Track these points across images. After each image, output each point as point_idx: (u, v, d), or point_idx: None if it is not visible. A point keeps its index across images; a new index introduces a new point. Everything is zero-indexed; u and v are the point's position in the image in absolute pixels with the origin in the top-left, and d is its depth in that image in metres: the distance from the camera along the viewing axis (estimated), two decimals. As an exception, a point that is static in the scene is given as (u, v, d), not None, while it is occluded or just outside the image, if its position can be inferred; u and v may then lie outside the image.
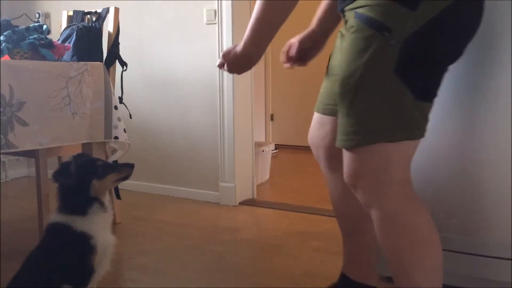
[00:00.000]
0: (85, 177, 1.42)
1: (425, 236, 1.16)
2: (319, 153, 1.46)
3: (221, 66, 1.35)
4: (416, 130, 1.11)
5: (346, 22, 1.17)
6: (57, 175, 1.42)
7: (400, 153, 1.12)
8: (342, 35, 1.27)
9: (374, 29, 1.04)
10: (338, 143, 1.15)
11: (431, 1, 1.02)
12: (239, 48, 1.26)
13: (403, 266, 1.17)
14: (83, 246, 1.37)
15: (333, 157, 1.39)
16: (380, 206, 1.15)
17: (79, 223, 1.38)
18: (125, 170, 1.49)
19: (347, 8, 1.13)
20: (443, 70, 1.12)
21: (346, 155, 1.15)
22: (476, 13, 1.11)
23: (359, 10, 1.07)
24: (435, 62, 1.09)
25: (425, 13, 1.02)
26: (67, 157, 1.50)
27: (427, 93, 1.09)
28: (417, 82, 1.06)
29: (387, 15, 1.03)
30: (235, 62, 1.29)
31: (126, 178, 1.49)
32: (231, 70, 1.34)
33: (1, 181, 3.58)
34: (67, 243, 1.37)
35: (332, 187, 1.48)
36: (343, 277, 1.55)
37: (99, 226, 1.41)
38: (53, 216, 1.42)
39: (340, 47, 1.29)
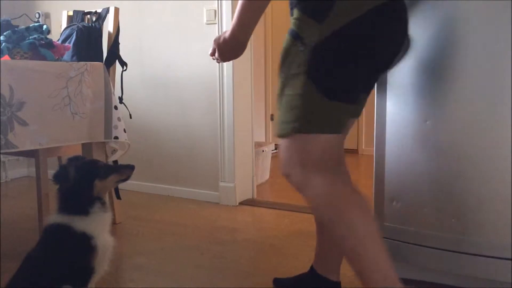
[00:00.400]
0: (88, 177, 1.43)
1: (341, 206, 1.28)
2: None
3: (213, 53, 1.46)
4: (326, 125, 1.26)
5: None
6: (58, 176, 1.42)
7: (318, 145, 1.27)
8: None
9: (293, 38, 1.25)
10: (276, 131, 1.34)
11: (336, 16, 1.19)
12: (228, 33, 1.38)
13: (335, 237, 1.34)
14: (84, 246, 1.37)
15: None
16: (305, 191, 1.30)
17: (80, 224, 1.38)
18: (125, 171, 1.51)
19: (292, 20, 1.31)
20: (358, 74, 1.27)
21: (281, 143, 1.33)
22: (389, 26, 1.26)
23: (292, 22, 1.28)
24: (342, 67, 1.23)
25: (329, 26, 1.20)
26: (66, 158, 1.50)
27: (336, 94, 1.24)
28: (325, 84, 1.23)
29: (300, 27, 1.24)
30: (225, 47, 1.40)
31: (126, 179, 1.50)
32: (221, 55, 1.44)
33: (1, 181, 3.58)
34: (68, 244, 1.37)
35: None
36: (311, 269, 1.69)
37: (99, 227, 1.42)
38: (53, 217, 1.42)
39: None
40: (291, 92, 1.26)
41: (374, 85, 1.43)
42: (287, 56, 1.27)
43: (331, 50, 1.22)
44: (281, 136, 1.30)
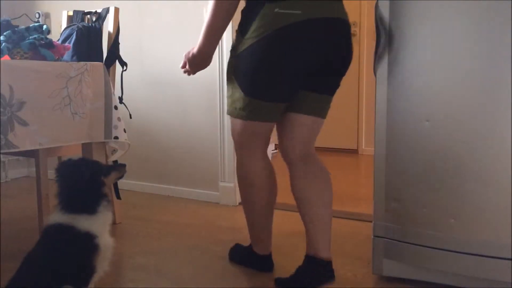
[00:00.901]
0: (96, 175, 1.45)
1: (250, 179, 1.75)
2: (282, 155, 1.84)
3: (184, 66, 1.78)
4: (244, 114, 1.65)
5: None
6: (63, 174, 1.42)
7: (244, 128, 1.68)
8: None
9: (231, 47, 1.66)
10: None
11: (252, 32, 1.55)
12: (196, 48, 1.70)
13: (241, 198, 1.85)
14: (88, 246, 1.38)
15: (287, 154, 1.79)
16: (236, 156, 1.79)
17: (85, 223, 1.39)
18: (122, 169, 1.56)
19: None
20: (272, 79, 1.59)
21: None
22: (290, 40, 1.54)
23: None
24: (257, 70, 1.58)
25: (249, 40, 1.56)
26: (66, 158, 1.51)
27: (252, 92, 1.61)
28: (243, 83, 1.62)
29: (235, 40, 1.65)
30: (194, 60, 1.72)
31: (121, 177, 1.56)
32: (191, 67, 1.75)
33: (1, 181, 3.58)
34: (72, 244, 1.38)
35: (293, 183, 1.81)
36: (305, 257, 1.80)
37: (102, 226, 1.44)
38: (54, 216, 1.41)
39: None
40: (229, 87, 1.69)
41: (294, 88, 1.65)
42: (228, 61, 1.69)
43: (247, 57, 1.58)
44: (227, 113, 1.74)
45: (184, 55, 1.75)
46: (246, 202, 1.83)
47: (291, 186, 1.77)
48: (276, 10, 1.51)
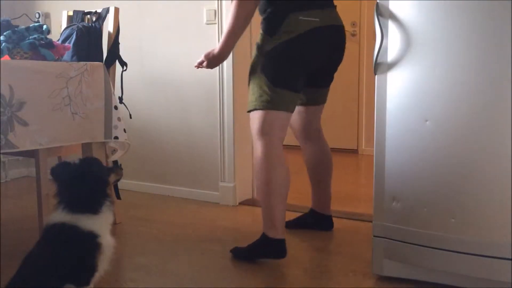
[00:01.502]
0: (101, 175, 1.48)
1: (272, 166, 1.93)
2: (296, 132, 2.31)
3: (200, 64, 2.05)
4: (272, 105, 1.91)
5: None
6: (66, 174, 1.43)
7: (268, 118, 1.92)
8: None
9: (257, 46, 1.96)
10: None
11: (280, 35, 1.88)
12: (216, 50, 1.99)
13: (259, 183, 1.98)
14: (91, 245, 1.39)
15: (306, 133, 2.27)
16: (255, 146, 1.99)
17: (88, 222, 1.39)
18: (119, 171, 1.59)
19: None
20: (298, 73, 1.93)
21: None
22: (310, 44, 1.90)
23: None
24: (283, 66, 1.90)
25: (276, 40, 1.89)
26: (67, 158, 1.52)
27: (281, 83, 1.90)
28: (272, 76, 1.90)
29: (261, 39, 1.95)
30: (214, 60, 2.01)
31: (118, 179, 1.59)
32: (210, 66, 2.04)
33: (1, 181, 3.58)
34: (75, 243, 1.38)
35: (306, 153, 2.33)
36: (311, 210, 2.39)
37: (105, 225, 1.45)
38: (56, 215, 1.41)
39: None
40: (253, 83, 1.95)
41: (307, 82, 2.00)
42: (253, 59, 1.98)
43: (276, 54, 1.90)
44: (249, 110, 1.98)
45: (204, 55, 2.01)
46: (268, 187, 1.93)
47: (304, 158, 2.32)
48: (300, 17, 1.88)
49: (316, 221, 2.37)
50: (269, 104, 1.91)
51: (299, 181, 2.93)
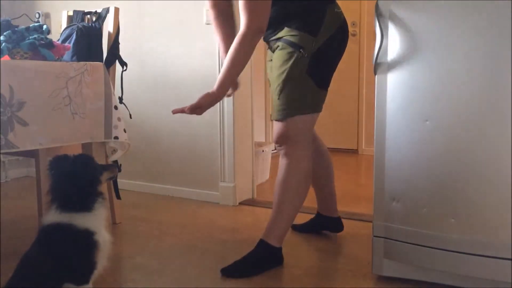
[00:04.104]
0: (93, 173, 1.47)
1: (307, 176, 1.91)
2: None
3: (191, 109, 1.74)
4: (317, 107, 1.86)
5: (270, 47, 1.96)
6: (58, 171, 1.42)
7: (306, 123, 1.86)
8: (270, 59, 1.94)
9: (293, 48, 1.77)
10: (273, 117, 1.88)
11: (322, 32, 1.77)
12: (214, 91, 1.74)
13: (288, 196, 1.90)
14: (88, 242, 1.39)
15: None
16: (290, 156, 1.88)
17: (83, 220, 1.40)
18: (114, 169, 1.59)
19: (271, 38, 1.89)
20: (332, 71, 1.88)
21: (276, 124, 1.87)
22: (343, 38, 1.87)
23: (284, 37, 1.80)
24: (328, 65, 1.85)
25: (321, 38, 1.78)
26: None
27: (324, 84, 1.85)
28: (319, 78, 1.81)
29: (301, 40, 1.77)
30: (212, 103, 1.76)
31: (113, 177, 1.57)
32: (204, 110, 1.76)
33: (1, 181, 3.58)
34: (72, 242, 1.38)
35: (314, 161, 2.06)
36: (318, 214, 2.32)
37: (99, 222, 1.46)
38: (50, 216, 1.41)
39: (270, 65, 1.94)
40: (295, 87, 1.79)
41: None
42: (288, 61, 1.78)
43: (324, 54, 1.80)
44: (281, 118, 1.83)
45: (200, 100, 1.73)
46: (296, 198, 1.91)
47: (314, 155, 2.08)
48: (336, 10, 1.83)
49: (324, 225, 2.31)
50: (315, 107, 1.84)
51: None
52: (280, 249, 1.94)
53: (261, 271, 1.89)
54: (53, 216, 1.40)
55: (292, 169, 1.87)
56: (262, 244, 1.91)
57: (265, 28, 1.73)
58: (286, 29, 1.79)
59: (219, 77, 1.74)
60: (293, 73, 1.77)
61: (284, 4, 1.77)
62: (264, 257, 1.91)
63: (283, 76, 1.78)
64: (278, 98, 1.81)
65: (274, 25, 1.80)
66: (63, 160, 1.46)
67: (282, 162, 1.90)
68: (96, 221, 1.43)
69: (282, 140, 1.86)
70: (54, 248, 1.38)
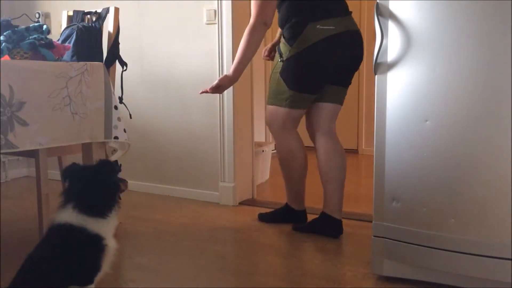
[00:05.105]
0: (117, 180, 1.50)
1: (291, 152, 2.32)
2: (309, 132, 2.41)
3: (213, 89, 2.25)
4: (289, 104, 2.22)
5: None
6: (83, 175, 1.44)
7: (281, 114, 2.26)
8: None
9: (278, 53, 2.26)
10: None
11: (297, 44, 2.13)
12: (230, 74, 2.22)
13: (281, 168, 2.40)
14: (97, 247, 1.40)
15: (313, 132, 2.36)
16: (275, 137, 2.35)
17: (94, 225, 1.41)
18: (125, 183, 1.58)
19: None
20: (316, 77, 2.20)
21: (267, 108, 2.32)
22: (332, 50, 2.13)
23: (280, 44, 2.27)
24: (301, 72, 2.18)
25: (295, 49, 2.15)
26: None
27: (297, 87, 2.19)
28: (289, 81, 2.19)
29: (281, 47, 2.23)
30: (229, 83, 2.25)
31: (123, 191, 1.57)
32: (221, 90, 2.28)
33: (1, 181, 3.58)
34: (81, 245, 1.39)
35: (318, 153, 2.33)
36: (322, 213, 2.34)
37: (110, 229, 1.47)
38: (64, 214, 1.41)
39: None
40: (274, 85, 2.25)
41: (325, 84, 2.23)
42: (274, 64, 2.28)
43: (293, 62, 2.16)
44: (268, 104, 2.30)
45: (219, 80, 2.23)
46: (287, 170, 2.37)
47: (317, 156, 2.30)
48: (318, 26, 2.09)
49: (323, 225, 2.30)
50: (288, 103, 2.22)
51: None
52: (301, 211, 2.46)
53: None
54: (67, 216, 1.40)
55: (277, 148, 2.37)
56: (286, 205, 2.52)
57: (270, 22, 2.14)
58: (282, 37, 2.25)
59: (234, 62, 2.20)
60: (275, 69, 2.25)
61: (285, 8, 2.20)
62: (286, 216, 2.50)
63: (271, 75, 2.30)
64: (268, 90, 2.31)
65: (282, 28, 2.24)
66: (84, 166, 1.49)
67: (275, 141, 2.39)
68: (107, 227, 1.44)
69: (266, 122, 2.35)
70: (62, 250, 1.38)
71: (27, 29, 2.09)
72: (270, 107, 2.29)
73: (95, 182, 1.44)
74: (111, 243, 1.45)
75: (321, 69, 2.17)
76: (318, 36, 2.09)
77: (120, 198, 1.54)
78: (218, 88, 2.23)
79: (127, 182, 1.58)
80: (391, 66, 1.67)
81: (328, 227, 2.28)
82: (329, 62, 2.16)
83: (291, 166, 2.34)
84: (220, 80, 2.22)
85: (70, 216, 1.39)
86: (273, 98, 2.26)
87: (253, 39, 2.14)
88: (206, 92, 2.25)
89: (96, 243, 1.40)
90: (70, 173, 1.46)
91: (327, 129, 2.30)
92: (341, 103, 2.35)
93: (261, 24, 2.12)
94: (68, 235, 1.38)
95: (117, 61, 2.44)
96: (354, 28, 2.20)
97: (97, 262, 1.41)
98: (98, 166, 1.49)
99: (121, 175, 1.59)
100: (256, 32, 2.13)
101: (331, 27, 2.10)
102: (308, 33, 2.10)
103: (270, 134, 5.12)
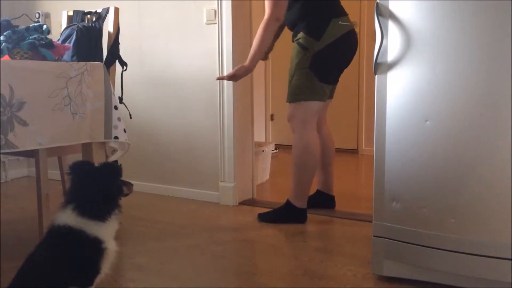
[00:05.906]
0: (120, 184, 1.49)
1: (309, 148, 2.43)
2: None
3: (230, 77, 2.42)
4: (318, 96, 2.40)
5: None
6: (88, 176, 1.43)
7: (308, 107, 2.41)
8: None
9: (301, 48, 2.37)
10: (286, 99, 2.46)
11: (324, 38, 2.33)
12: (246, 64, 2.39)
13: (296, 163, 2.47)
14: (96, 250, 1.40)
15: (319, 123, 2.58)
16: (296, 132, 2.44)
17: (94, 228, 1.40)
18: (130, 186, 1.57)
19: (294, 39, 2.45)
20: (335, 70, 2.46)
21: (289, 106, 2.46)
22: (348, 44, 2.41)
23: (299, 39, 2.39)
24: (331, 64, 2.40)
25: (322, 43, 2.33)
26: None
27: (326, 79, 2.40)
28: (319, 73, 2.36)
29: (306, 42, 2.36)
30: (245, 73, 2.42)
31: (128, 194, 1.56)
32: (237, 78, 2.45)
33: (1, 181, 3.58)
34: (80, 248, 1.38)
35: (323, 140, 2.61)
36: (318, 191, 2.76)
37: (110, 232, 1.46)
38: (64, 216, 1.41)
39: (291, 57, 2.46)
40: (300, 78, 2.38)
41: (339, 77, 2.52)
42: (296, 58, 2.40)
43: (323, 56, 2.34)
44: (291, 101, 2.43)
45: (236, 69, 2.39)
46: (301, 167, 2.46)
47: (322, 143, 2.57)
48: (340, 22, 2.35)
49: (322, 201, 2.72)
50: (317, 96, 2.39)
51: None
52: (301, 209, 2.52)
53: (281, 222, 2.53)
54: (66, 218, 1.39)
55: (296, 143, 2.45)
56: (287, 203, 2.54)
57: (282, 18, 2.36)
58: (301, 33, 2.38)
59: (250, 53, 2.38)
60: (299, 68, 2.37)
61: (300, 7, 2.40)
62: (287, 214, 2.53)
63: (293, 69, 2.40)
64: (290, 85, 2.42)
65: (295, 26, 2.44)
66: (90, 165, 1.47)
67: (293, 136, 2.47)
68: (107, 230, 1.43)
69: (289, 118, 2.46)
70: (61, 252, 1.37)
71: (27, 29, 2.09)
72: (295, 104, 2.41)
73: (97, 185, 1.43)
74: (111, 246, 1.44)
75: (340, 62, 2.44)
76: (340, 31, 2.35)
77: (120, 199, 1.53)
78: (234, 77, 2.41)
79: (132, 185, 1.55)
80: (391, 66, 1.67)
81: (332, 204, 2.75)
82: (345, 56, 2.44)
83: (306, 162, 2.44)
84: (236, 70, 2.39)
85: (69, 218, 1.39)
86: (301, 94, 2.39)
87: (267, 33, 2.36)
88: (223, 78, 2.44)
89: (94, 246, 1.39)
90: (75, 172, 1.45)
91: (325, 120, 2.68)
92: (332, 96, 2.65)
93: (274, 20, 2.34)
94: (66, 237, 1.38)
95: (117, 61, 2.44)
96: (353, 27, 2.47)
97: (96, 264, 1.40)
98: (103, 168, 1.47)
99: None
100: (270, 26, 2.35)
101: (348, 23, 2.39)
102: (332, 28, 2.33)
103: (271, 134, 5.16)
